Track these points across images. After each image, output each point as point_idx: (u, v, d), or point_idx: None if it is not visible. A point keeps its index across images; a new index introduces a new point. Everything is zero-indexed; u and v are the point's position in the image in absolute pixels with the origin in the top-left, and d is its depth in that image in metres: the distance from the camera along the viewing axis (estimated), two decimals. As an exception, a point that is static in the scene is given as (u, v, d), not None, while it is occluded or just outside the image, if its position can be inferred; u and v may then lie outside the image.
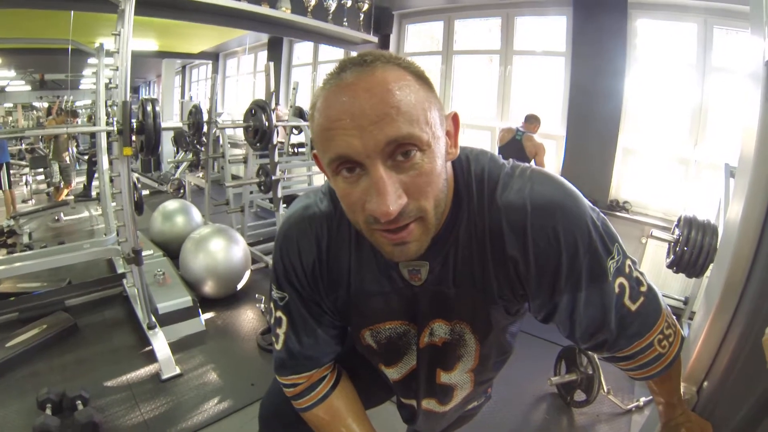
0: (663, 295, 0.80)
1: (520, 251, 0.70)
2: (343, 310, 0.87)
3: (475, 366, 0.91)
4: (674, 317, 0.82)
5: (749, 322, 0.87)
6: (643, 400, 2.27)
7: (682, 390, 0.93)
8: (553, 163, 4.33)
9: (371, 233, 0.66)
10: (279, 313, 0.89)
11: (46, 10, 3.25)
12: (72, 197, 5.31)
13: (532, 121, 3.99)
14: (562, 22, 4.14)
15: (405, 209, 0.61)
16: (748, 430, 0.83)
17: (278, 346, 0.91)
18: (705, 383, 0.97)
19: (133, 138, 2.39)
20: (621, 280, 0.72)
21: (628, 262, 0.74)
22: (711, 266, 2.18)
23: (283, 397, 0.97)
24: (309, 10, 3.87)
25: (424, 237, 0.66)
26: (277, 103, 5.25)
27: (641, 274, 0.76)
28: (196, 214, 4.16)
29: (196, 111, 4.42)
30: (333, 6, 4.01)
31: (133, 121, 2.37)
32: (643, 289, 0.76)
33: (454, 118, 0.69)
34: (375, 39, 4.72)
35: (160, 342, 2.47)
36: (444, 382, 0.94)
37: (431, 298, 0.80)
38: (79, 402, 2.03)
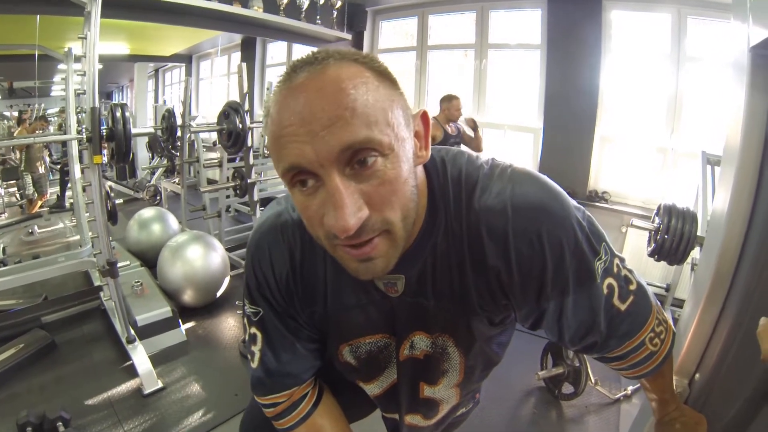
0: (646, 284, 0.77)
1: (502, 259, 0.65)
2: (321, 326, 0.83)
3: (461, 381, 0.87)
4: (665, 313, 0.80)
5: (739, 313, 0.86)
6: (630, 388, 2.29)
7: (674, 383, 0.92)
8: (530, 155, 4.34)
9: (334, 249, 0.60)
10: (253, 329, 0.84)
11: (10, 15, 3.15)
12: (46, 209, 5.16)
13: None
14: (537, 15, 4.15)
15: (368, 222, 0.55)
16: (742, 421, 0.82)
17: (254, 364, 0.86)
18: (696, 375, 0.97)
19: (104, 145, 2.32)
20: (609, 280, 0.69)
21: (616, 260, 0.71)
22: (692, 253, 2.19)
23: (263, 415, 0.92)
24: (282, 8, 3.81)
25: (392, 252, 0.60)
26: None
27: (630, 271, 0.73)
28: (173, 222, 4.07)
29: (169, 115, 4.28)
30: (306, 4, 3.96)
31: (103, 128, 2.30)
32: (633, 287, 0.72)
33: (423, 117, 0.63)
34: (349, 36, 4.68)
35: (140, 356, 2.40)
36: (428, 396, 0.90)
37: (409, 309, 0.76)
38: (60, 423, 1.94)
